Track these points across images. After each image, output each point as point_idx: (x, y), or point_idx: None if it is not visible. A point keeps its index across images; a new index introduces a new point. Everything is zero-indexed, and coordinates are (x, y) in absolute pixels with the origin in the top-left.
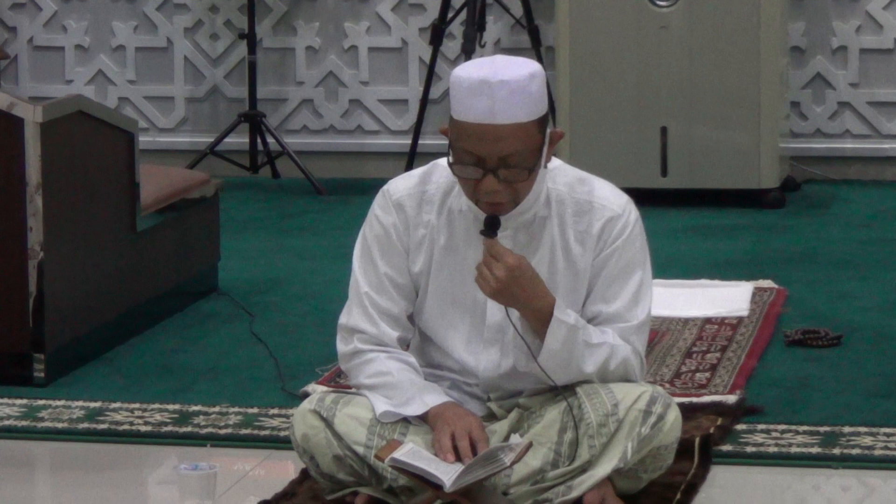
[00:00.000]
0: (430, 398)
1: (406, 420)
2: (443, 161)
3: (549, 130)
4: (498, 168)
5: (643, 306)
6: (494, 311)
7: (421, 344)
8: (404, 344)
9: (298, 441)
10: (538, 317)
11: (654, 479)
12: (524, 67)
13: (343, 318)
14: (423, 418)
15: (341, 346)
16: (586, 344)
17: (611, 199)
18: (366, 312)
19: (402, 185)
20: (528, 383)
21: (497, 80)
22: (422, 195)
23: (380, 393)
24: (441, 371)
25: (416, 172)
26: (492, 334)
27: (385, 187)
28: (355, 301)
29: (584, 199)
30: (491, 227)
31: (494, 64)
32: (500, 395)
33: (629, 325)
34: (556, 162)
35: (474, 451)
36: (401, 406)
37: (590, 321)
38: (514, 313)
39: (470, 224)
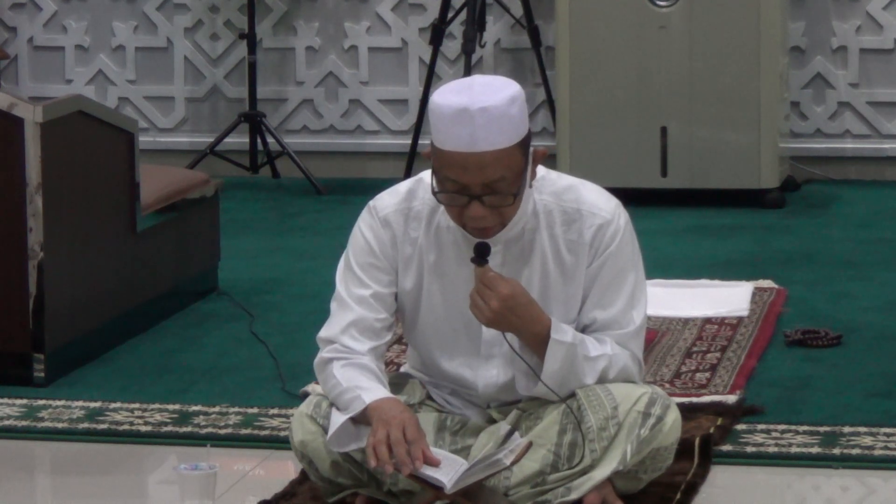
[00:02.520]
0: (367, 395)
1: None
2: (428, 176)
3: (531, 150)
4: (483, 195)
5: (639, 310)
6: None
7: (419, 357)
8: (378, 353)
9: (297, 447)
10: (536, 339)
11: (655, 480)
12: (503, 91)
13: (321, 331)
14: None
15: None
16: (585, 358)
17: (599, 204)
18: (342, 326)
19: (388, 201)
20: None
21: (477, 108)
22: (408, 211)
23: (335, 405)
24: (440, 381)
25: (402, 188)
26: (488, 349)
27: (371, 203)
28: (335, 314)
29: (572, 208)
30: (481, 255)
31: (473, 89)
32: (500, 403)
33: (626, 331)
34: (540, 171)
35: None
36: (346, 412)
37: (586, 328)
38: (512, 336)
39: (458, 239)
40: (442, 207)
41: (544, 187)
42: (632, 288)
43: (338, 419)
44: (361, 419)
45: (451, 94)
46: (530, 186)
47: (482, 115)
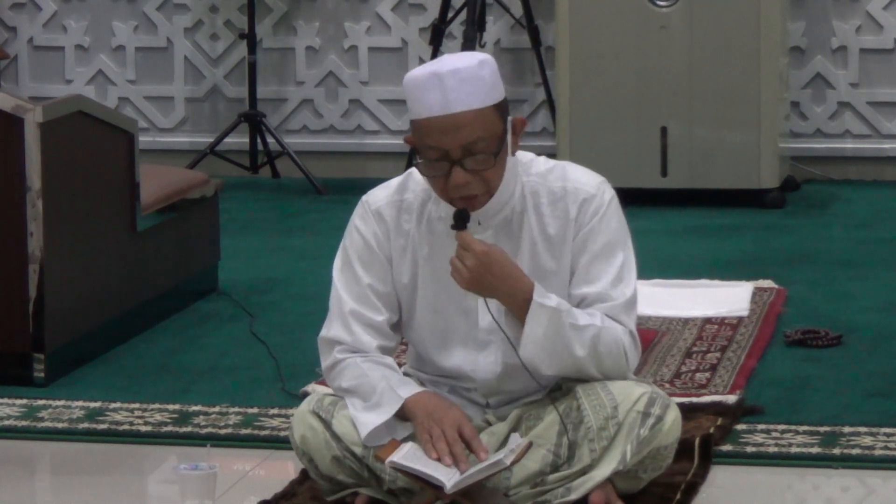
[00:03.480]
0: (403, 390)
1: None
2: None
3: (510, 118)
4: (463, 158)
5: (628, 283)
6: (485, 313)
7: (417, 353)
8: (387, 352)
9: (297, 442)
10: (519, 304)
11: (655, 479)
12: (473, 56)
13: (323, 331)
14: (402, 414)
15: (322, 361)
16: (573, 326)
17: (583, 180)
18: (345, 324)
19: (380, 194)
20: (526, 383)
21: (446, 71)
22: (400, 204)
23: (357, 396)
24: (439, 377)
25: (394, 182)
26: (485, 336)
27: (364, 198)
28: (336, 313)
29: (557, 186)
30: (460, 220)
31: (442, 59)
32: (500, 400)
33: (616, 303)
34: (528, 155)
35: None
36: (377, 407)
37: (577, 305)
38: (495, 304)
39: (451, 230)
40: (433, 198)
41: (531, 169)
42: (620, 263)
43: (370, 419)
44: (396, 413)
45: (422, 68)
46: (512, 154)
47: (452, 77)
